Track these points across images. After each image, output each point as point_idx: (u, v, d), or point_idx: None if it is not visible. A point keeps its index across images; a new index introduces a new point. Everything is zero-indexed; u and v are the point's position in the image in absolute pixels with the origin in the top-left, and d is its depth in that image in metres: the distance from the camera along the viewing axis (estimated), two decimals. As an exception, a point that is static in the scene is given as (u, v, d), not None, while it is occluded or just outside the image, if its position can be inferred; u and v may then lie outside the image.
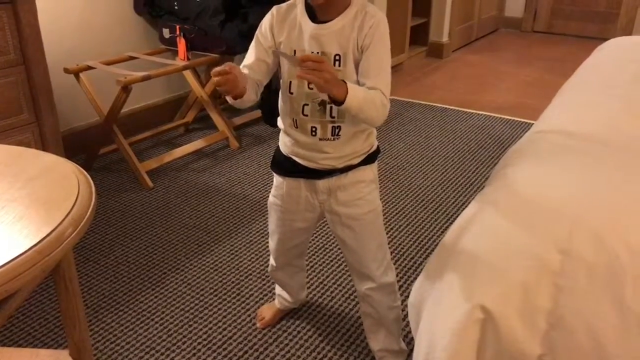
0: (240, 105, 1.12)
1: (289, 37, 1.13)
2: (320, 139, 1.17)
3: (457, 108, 3.26)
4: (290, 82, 1.15)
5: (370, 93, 1.07)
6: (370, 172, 1.25)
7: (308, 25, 1.11)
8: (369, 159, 1.23)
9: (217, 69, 1.01)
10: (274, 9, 1.16)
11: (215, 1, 2.40)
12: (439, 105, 3.32)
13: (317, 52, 1.10)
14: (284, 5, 1.15)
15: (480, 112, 3.19)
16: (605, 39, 2.53)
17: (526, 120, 3.02)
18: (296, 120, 1.17)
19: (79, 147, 2.48)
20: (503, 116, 3.12)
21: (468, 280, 1.01)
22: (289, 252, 1.42)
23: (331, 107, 1.13)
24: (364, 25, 1.08)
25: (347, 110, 1.05)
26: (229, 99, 1.09)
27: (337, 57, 1.10)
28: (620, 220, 0.99)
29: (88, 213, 0.85)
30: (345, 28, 1.09)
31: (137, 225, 2.05)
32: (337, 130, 1.16)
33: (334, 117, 1.14)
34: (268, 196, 1.36)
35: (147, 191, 2.30)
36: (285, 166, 1.26)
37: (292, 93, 1.15)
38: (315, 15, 1.11)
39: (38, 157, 1.00)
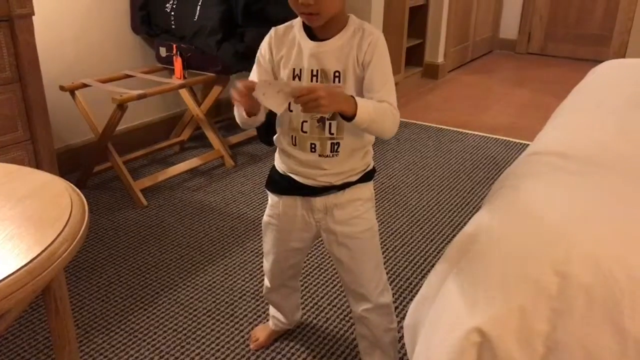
0: (250, 125, 1.15)
1: (289, 55, 1.15)
2: (320, 155, 1.17)
3: (452, 128, 3.28)
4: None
5: (379, 104, 1.09)
6: (367, 190, 1.25)
7: (307, 44, 1.13)
8: (366, 177, 1.24)
9: (239, 89, 1.03)
10: (272, 30, 1.19)
11: (212, 21, 2.42)
12: (435, 125, 3.33)
13: (317, 70, 1.12)
14: (281, 26, 1.18)
15: (476, 133, 3.20)
16: (599, 62, 2.55)
17: (521, 141, 3.03)
18: (295, 137, 1.18)
19: (74, 164, 2.47)
20: (498, 137, 3.13)
21: (464, 303, 1.00)
22: (284, 273, 1.41)
23: (330, 124, 1.14)
24: (362, 42, 1.11)
25: (359, 124, 1.06)
26: (240, 116, 1.12)
27: (337, 74, 1.12)
28: (617, 242, 0.98)
29: (80, 232, 0.84)
30: (344, 46, 1.12)
31: (130, 244, 2.03)
32: (336, 147, 1.16)
33: (332, 134, 1.16)
34: (263, 215, 1.35)
35: (141, 209, 2.28)
36: (281, 185, 1.25)
37: (291, 110, 1.16)
38: (313, 33, 1.14)
39: (31, 175, 0.99)
